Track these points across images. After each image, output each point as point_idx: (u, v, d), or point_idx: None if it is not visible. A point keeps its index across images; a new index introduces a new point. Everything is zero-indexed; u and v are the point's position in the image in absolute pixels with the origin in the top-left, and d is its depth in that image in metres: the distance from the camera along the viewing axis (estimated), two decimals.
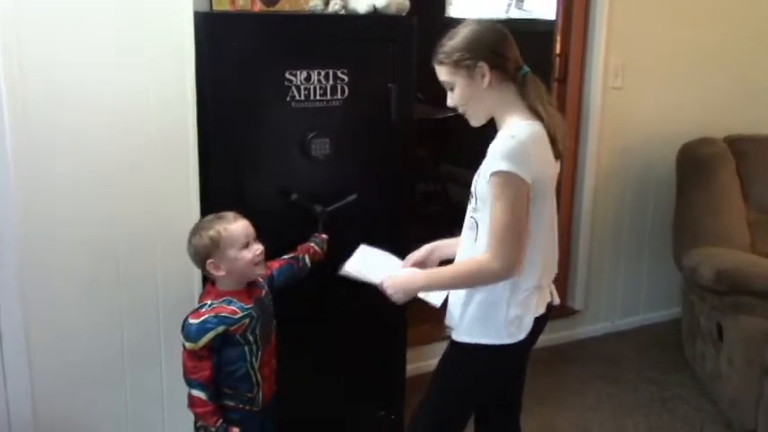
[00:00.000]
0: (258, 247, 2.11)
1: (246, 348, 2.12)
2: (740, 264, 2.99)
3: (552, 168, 1.95)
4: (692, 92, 3.72)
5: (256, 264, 2.12)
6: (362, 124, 2.48)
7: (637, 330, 3.90)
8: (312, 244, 2.40)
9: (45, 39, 2.10)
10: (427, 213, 4.95)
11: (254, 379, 2.15)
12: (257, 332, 2.13)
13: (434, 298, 2.08)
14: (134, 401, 2.45)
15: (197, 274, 2.34)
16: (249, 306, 2.11)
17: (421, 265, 2.14)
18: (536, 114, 1.92)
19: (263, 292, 2.21)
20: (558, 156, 1.95)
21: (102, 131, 2.21)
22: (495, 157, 1.83)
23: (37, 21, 2.08)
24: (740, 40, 3.77)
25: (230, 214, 2.12)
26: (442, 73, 1.96)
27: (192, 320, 2.06)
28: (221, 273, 2.09)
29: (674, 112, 3.69)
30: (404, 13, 2.48)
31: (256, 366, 2.15)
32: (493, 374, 2.08)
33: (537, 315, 1.98)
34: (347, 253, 2.20)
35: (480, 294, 1.95)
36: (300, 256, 2.36)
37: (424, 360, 3.35)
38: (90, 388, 2.37)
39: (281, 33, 2.32)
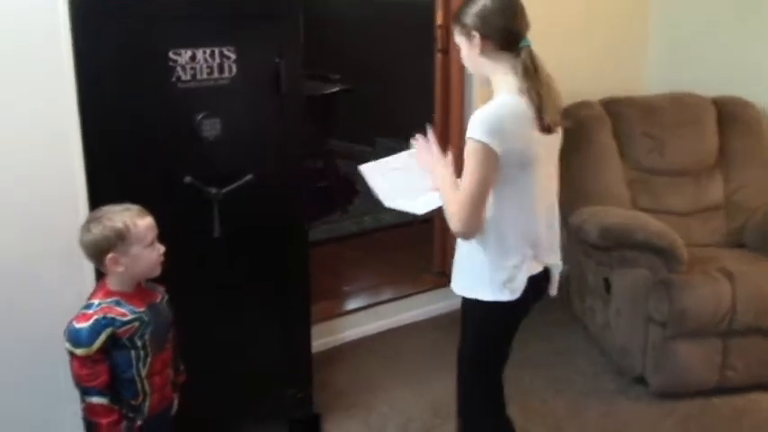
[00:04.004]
0: (162, 248, 2.02)
1: (133, 353, 2.00)
2: (621, 219, 3.14)
3: (533, 143, 1.98)
4: (566, 59, 3.82)
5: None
6: (252, 102, 2.43)
7: None
8: None
9: None
10: (318, 189, 4.96)
11: (139, 386, 2.04)
12: (146, 337, 2.02)
13: (416, 208, 2.17)
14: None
15: (89, 284, 2.20)
16: (140, 310, 2.01)
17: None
18: (524, 88, 1.97)
19: (160, 297, 2.11)
20: (544, 129, 1.98)
21: None
22: (473, 123, 1.94)
23: None
24: (605, 5, 3.92)
25: (137, 208, 2.00)
26: (455, 34, 2.11)
27: (79, 324, 1.93)
28: (120, 269, 1.96)
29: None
30: None
31: (143, 374, 2.03)
32: (493, 326, 2.20)
33: (531, 274, 2.07)
34: (243, 235, 2.11)
35: (470, 259, 2.09)
36: None
37: (330, 335, 3.38)
38: None
39: (164, 13, 2.23)
